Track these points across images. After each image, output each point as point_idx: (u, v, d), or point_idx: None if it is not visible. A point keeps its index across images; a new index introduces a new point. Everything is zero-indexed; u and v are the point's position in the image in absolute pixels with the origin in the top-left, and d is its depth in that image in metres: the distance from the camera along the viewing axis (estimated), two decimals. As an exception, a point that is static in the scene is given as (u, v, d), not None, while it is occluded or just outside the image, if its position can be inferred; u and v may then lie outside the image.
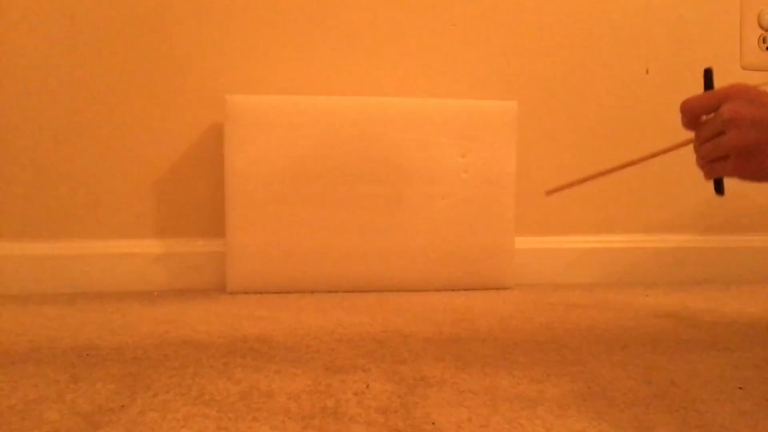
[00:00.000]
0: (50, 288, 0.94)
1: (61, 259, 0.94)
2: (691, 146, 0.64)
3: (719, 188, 0.64)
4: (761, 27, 1.07)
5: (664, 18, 1.06)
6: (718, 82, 0.85)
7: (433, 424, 0.44)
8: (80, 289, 0.94)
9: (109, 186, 0.96)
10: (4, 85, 0.93)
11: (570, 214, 1.06)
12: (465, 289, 0.95)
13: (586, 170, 1.07)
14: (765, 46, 1.07)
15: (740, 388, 0.52)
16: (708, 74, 0.62)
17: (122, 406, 0.47)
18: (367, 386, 0.52)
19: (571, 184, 0.70)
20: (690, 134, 0.63)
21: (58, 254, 0.94)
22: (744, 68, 1.07)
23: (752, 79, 1.08)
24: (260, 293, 0.91)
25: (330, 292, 0.92)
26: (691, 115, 0.61)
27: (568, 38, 1.04)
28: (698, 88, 0.82)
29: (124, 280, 0.95)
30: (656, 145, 0.86)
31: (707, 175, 0.62)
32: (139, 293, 0.93)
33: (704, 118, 0.61)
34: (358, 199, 0.92)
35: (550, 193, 0.72)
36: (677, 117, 1.06)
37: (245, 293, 0.91)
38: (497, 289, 0.96)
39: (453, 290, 0.95)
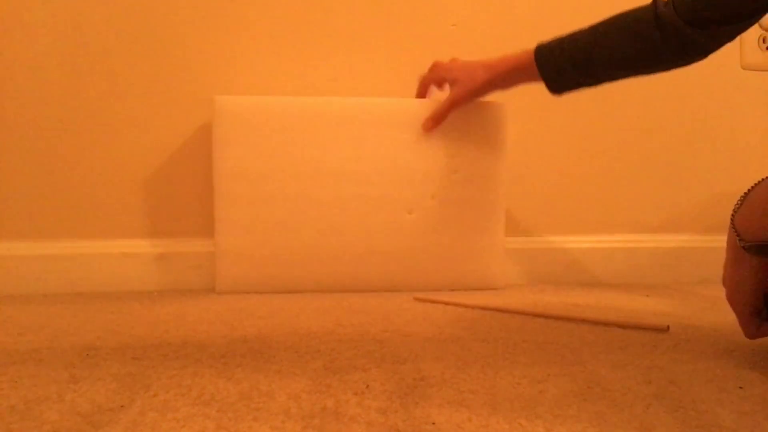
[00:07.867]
0: (50, 288, 0.94)
1: (61, 259, 0.94)
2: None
3: None
4: (761, 27, 1.07)
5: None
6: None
7: (433, 424, 0.44)
8: (80, 289, 0.94)
9: (109, 186, 0.96)
10: (3, 85, 0.93)
11: (569, 214, 1.06)
12: (455, 289, 0.94)
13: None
14: (765, 46, 1.07)
15: (740, 387, 0.52)
16: None
17: (122, 406, 0.47)
18: (367, 386, 0.52)
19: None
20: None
21: (58, 254, 0.94)
22: (744, 68, 1.07)
23: (754, 78, 1.08)
24: (262, 293, 0.91)
25: (321, 292, 0.92)
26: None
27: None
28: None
29: (124, 280, 0.95)
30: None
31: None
32: (139, 293, 0.93)
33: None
34: (347, 201, 0.91)
35: None
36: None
37: (234, 293, 0.91)
38: (487, 289, 0.95)
39: (452, 290, 0.94)
